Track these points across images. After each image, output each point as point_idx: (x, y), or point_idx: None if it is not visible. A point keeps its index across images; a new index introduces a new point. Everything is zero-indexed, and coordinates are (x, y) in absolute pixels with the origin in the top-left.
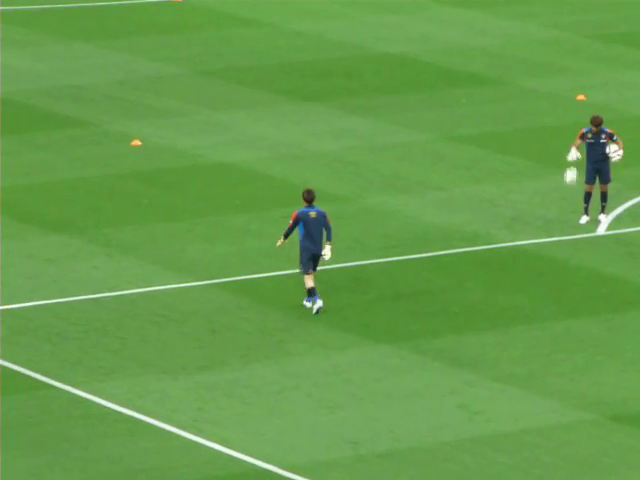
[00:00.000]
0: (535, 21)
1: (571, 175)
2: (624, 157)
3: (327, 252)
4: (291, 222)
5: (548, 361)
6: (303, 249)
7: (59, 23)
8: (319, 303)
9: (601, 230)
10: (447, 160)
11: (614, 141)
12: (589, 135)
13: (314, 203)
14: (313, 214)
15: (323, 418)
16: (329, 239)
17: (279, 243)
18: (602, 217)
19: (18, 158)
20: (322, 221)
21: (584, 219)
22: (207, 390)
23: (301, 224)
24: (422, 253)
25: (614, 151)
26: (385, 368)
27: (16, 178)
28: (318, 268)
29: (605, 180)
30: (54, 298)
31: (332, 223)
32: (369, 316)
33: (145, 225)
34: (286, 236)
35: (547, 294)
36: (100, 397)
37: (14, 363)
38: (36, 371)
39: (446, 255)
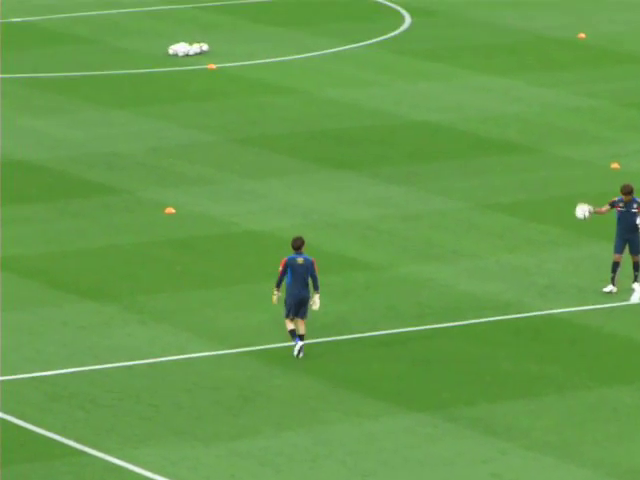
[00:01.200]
0: (569, 89)
1: (582, 210)
2: None
3: (316, 301)
4: (280, 269)
5: (581, 430)
6: (288, 295)
7: (94, 90)
8: (300, 344)
9: (635, 298)
10: (481, 228)
11: None
12: (620, 204)
13: (303, 251)
14: (300, 260)
15: None
16: (316, 288)
17: (275, 297)
18: (636, 286)
19: (52, 225)
20: (309, 268)
21: (609, 288)
22: (240, 458)
23: (289, 270)
24: (455, 321)
25: None
26: (418, 436)
27: (50, 245)
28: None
29: (635, 251)
30: (88, 365)
31: (318, 272)
32: (402, 384)
33: (179, 293)
34: (278, 285)
35: (580, 362)
36: (133, 464)
37: (48, 430)
38: (70, 438)
39: (479, 324)
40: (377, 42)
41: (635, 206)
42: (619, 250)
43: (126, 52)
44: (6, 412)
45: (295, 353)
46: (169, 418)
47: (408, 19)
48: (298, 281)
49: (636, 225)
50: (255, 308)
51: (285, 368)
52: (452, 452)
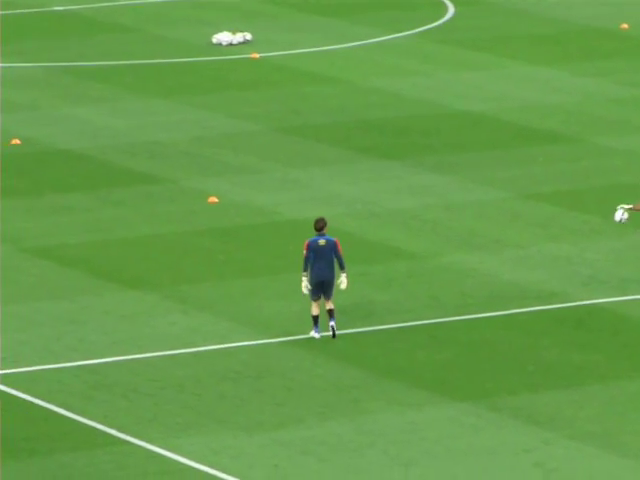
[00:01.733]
0: (612, 79)
1: (618, 214)
2: None
3: (343, 281)
4: (305, 252)
5: (624, 420)
6: (312, 276)
7: (136, 79)
8: (322, 333)
9: None
10: (523, 218)
11: None
12: None
13: (325, 232)
14: (322, 242)
15: (398, 475)
16: (342, 268)
17: (303, 284)
18: None
19: (95, 214)
20: (332, 249)
21: None
22: (283, 447)
23: (312, 253)
24: (498, 311)
25: None
26: (461, 425)
27: (92, 234)
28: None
29: None
30: (130, 354)
31: (343, 252)
32: (445, 373)
33: (221, 282)
34: (305, 269)
35: (623, 352)
36: (176, 453)
37: (90, 419)
38: (112, 427)
39: (522, 313)
40: (420, 32)
41: None
42: None
43: (169, 41)
44: (49, 401)
45: (314, 335)
46: (212, 407)
47: (451, 8)
48: (321, 262)
49: None
50: (298, 297)
51: (328, 357)
52: (495, 442)
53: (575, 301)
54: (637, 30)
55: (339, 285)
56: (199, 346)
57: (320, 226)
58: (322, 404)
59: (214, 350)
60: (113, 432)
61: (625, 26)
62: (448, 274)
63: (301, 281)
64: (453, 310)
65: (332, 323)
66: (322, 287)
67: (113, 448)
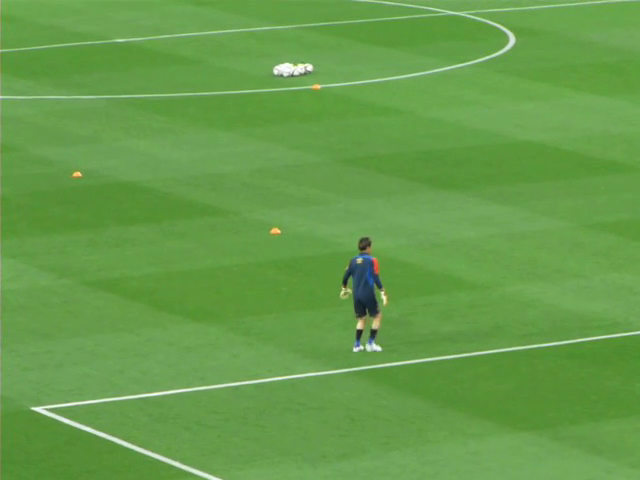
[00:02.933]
0: None
1: None
2: None
3: (382, 298)
4: (347, 268)
5: None
6: (353, 294)
7: (199, 111)
8: (361, 347)
9: None
10: (586, 248)
11: None
12: None
13: (368, 251)
14: (360, 260)
15: None
16: (379, 287)
17: (342, 293)
18: None
19: (157, 246)
20: (366, 268)
21: None
22: (347, 478)
23: (352, 270)
24: (561, 341)
25: None
26: (524, 455)
27: (155, 266)
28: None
29: None
30: (194, 386)
31: (379, 271)
32: (508, 403)
33: (285, 313)
34: (344, 282)
35: None
36: None
37: (154, 451)
38: (176, 459)
39: (584, 342)
40: (482, 62)
41: None
42: None
43: (230, 72)
44: (113, 434)
45: (355, 350)
46: (275, 438)
47: (512, 39)
48: (357, 280)
49: None
50: None
51: (391, 388)
52: (558, 471)
53: (638, 330)
54: None
55: (382, 302)
56: (262, 378)
57: (362, 245)
58: (385, 434)
59: (277, 382)
60: (177, 464)
61: None
62: (510, 304)
63: (340, 292)
64: (515, 340)
65: (369, 347)
66: (362, 305)
67: None
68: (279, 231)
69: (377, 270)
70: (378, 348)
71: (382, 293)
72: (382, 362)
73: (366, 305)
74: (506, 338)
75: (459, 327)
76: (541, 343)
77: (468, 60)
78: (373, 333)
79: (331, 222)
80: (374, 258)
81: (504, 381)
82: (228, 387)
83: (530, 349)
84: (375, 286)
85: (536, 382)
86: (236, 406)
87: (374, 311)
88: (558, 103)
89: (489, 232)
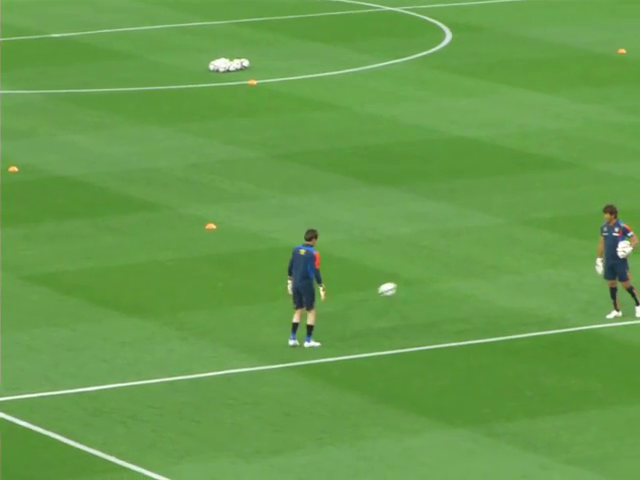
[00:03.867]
0: (610, 104)
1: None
2: None
3: (320, 293)
4: (291, 257)
5: (621, 445)
6: (292, 284)
7: (135, 106)
8: (296, 342)
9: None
10: (521, 244)
11: (628, 237)
12: (604, 229)
13: (313, 243)
14: (303, 251)
15: None
16: (318, 282)
17: (290, 285)
18: (638, 310)
19: (93, 241)
20: (307, 260)
21: (613, 314)
22: (281, 473)
23: (294, 260)
24: (495, 337)
25: (622, 248)
26: (458, 451)
27: (91, 261)
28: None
29: (621, 278)
30: (129, 381)
31: (320, 266)
32: (442, 399)
33: (219, 308)
34: (290, 272)
35: (620, 378)
36: None
37: (89, 446)
38: (110, 454)
39: (520, 339)
40: (418, 58)
41: (617, 230)
42: (609, 276)
43: (166, 68)
44: (48, 428)
45: (290, 344)
46: (210, 433)
47: (449, 35)
48: (297, 271)
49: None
50: None
51: (326, 383)
52: (492, 467)
53: (573, 327)
54: (634, 55)
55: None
56: (197, 373)
57: (308, 237)
58: (320, 430)
59: (212, 377)
60: (112, 459)
61: (622, 51)
62: (445, 300)
63: (287, 284)
64: (450, 336)
65: (307, 344)
66: (300, 296)
67: (112, 475)
68: (214, 226)
69: (318, 265)
70: (316, 344)
71: (321, 288)
72: (317, 357)
73: (303, 296)
74: (441, 334)
75: (394, 323)
76: (476, 339)
77: (404, 56)
78: (309, 329)
79: (266, 217)
80: (317, 252)
81: (439, 377)
82: (163, 382)
83: (465, 345)
84: (314, 280)
85: (471, 378)
86: (171, 401)
87: (310, 305)
88: (494, 99)
89: (424, 228)
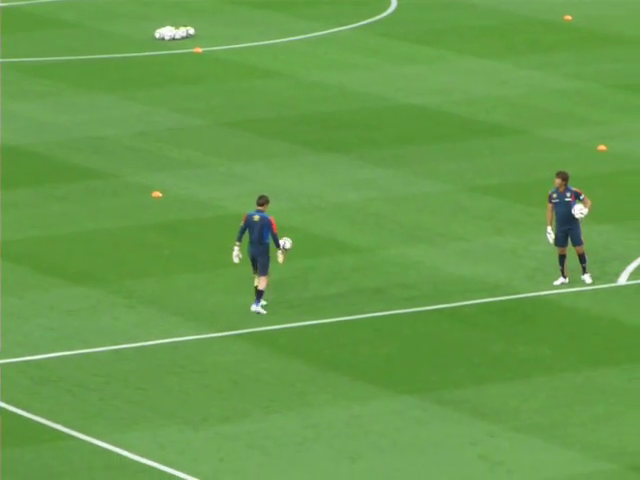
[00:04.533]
0: (556, 71)
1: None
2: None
3: (279, 256)
4: (242, 224)
5: (569, 411)
6: (248, 251)
7: (81, 74)
8: (255, 307)
9: (622, 280)
10: (468, 211)
11: (581, 200)
12: (554, 195)
13: (265, 208)
14: (257, 218)
15: (344, 469)
16: (277, 246)
17: (235, 253)
18: (586, 277)
19: (39, 210)
20: (264, 226)
21: (559, 281)
22: (228, 441)
23: (248, 227)
24: (443, 304)
25: (579, 210)
26: (406, 419)
27: (37, 230)
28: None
29: (576, 242)
30: (75, 349)
31: (278, 231)
32: (390, 367)
33: (166, 276)
34: (238, 239)
35: (568, 344)
36: (121, 448)
37: (35, 414)
38: (57, 422)
39: (467, 306)
40: (363, 25)
41: (569, 194)
42: (561, 243)
43: (112, 36)
44: None
45: (252, 310)
46: (157, 401)
47: (394, 2)
48: (252, 238)
49: (572, 215)
50: (243, 291)
51: (273, 351)
52: (440, 434)
53: (521, 293)
54: (581, 21)
55: (277, 259)
56: (144, 341)
57: (260, 202)
58: (267, 398)
59: (159, 344)
60: (59, 427)
61: (569, 17)
62: (392, 267)
63: (232, 250)
64: (397, 303)
65: (254, 308)
66: (255, 262)
67: (59, 443)
68: (161, 194)
69: (275, 229)
70: (262, 311)
71: (279, 252)
72: (264, 325)
73: (258, 262)
74: (389, 301)
75: (341, 290)
76: (423, 306)
77: (350, 23)
78: (259, 294)
79: (213, 185)
80: (271, 217)
81: (386, 344)
82: (109, 350)
83: (412, 312)
84: (271, 244)
85: (418, 345)
86: (118, 369)
87: (264, 270)
88: (441, 66)
89: (371, 195)
